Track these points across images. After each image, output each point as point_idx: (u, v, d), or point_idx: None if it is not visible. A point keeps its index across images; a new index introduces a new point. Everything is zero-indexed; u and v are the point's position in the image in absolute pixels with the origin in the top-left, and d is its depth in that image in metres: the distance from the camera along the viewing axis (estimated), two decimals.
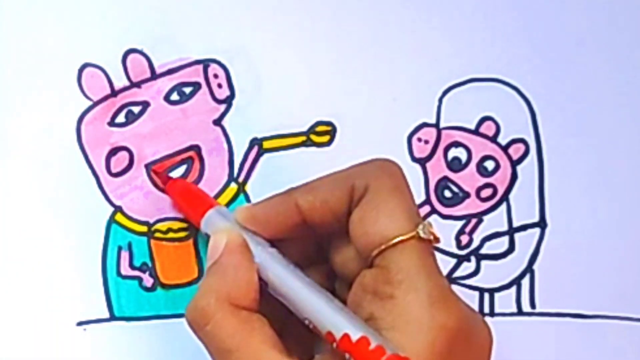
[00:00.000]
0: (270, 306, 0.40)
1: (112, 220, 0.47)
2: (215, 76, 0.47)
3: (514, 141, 0.48)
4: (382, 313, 0.38)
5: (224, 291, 0.39)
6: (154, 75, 0.47)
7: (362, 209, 0.39)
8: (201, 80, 0.48)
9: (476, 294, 0.47)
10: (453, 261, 0.47)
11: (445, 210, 0.47)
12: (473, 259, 0.48)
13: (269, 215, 0.41)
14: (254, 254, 0.41)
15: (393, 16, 0.48)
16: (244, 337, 0.38)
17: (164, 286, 0.47)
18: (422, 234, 0.38)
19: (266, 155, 0.48)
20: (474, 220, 0.48)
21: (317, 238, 0.42)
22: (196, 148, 0.47)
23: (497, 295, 0.47)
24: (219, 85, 0.47)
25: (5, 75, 0.47)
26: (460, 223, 0.48)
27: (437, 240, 0.39)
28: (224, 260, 0.41)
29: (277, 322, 0.40)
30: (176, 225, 0.47)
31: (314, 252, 0.43)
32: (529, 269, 0.47)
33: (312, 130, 0.48)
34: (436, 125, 0.48)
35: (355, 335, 0.37)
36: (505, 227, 0.48)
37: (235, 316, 0.39)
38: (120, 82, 0.47)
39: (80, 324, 0.46)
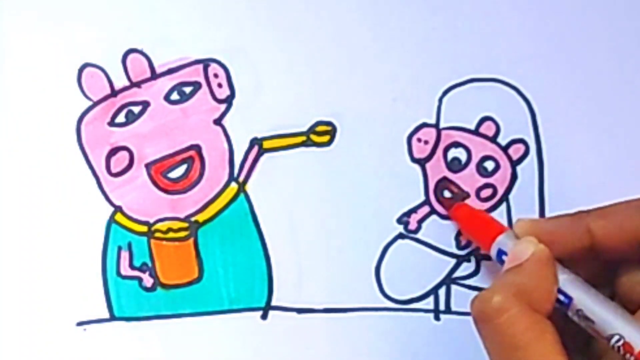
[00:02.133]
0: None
1: (112, 220, 0.47)
2: (216, 76, 0.47)
3: (513, 141, 0.48)
4: None
5: (525, 290, 0.39)
6: (154, 75, 0.47)
7: None
8: (201, 80, 0.48)
9: (476, 294, 0.47)
10: (453, 261, 0.47)
11: (444, 211, 0.47)
12: (473, 259, 0.48)
13: (557, 234, 0.42)
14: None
15: (393, 16, 0.48)
16: (536, 336, 0.38)
17: (164, 286, 0.47)
18: None
19: (266, 155, 0.48)
20: None
21: (600, 261, 0.42)
22: (196, 148, 0.47)
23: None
24: (219, 85, 0.48)
25: (5, 75, 0.47)
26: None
27: None
28: (529, 265, 0.40)
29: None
30: (176, 225, 0.47)
31: (592, 274, 0.43)
32: None
33: (312, 130, 0.48)
34: (436, 125, 0.48)
35: None
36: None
37: (530, 316, 0.38)
38: (120, 82, 0.47)
39: (80, 324, 0.46)
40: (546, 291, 0.40)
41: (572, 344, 0.40)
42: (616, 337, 0.39)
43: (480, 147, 0.48)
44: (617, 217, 0.41)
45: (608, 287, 0.43)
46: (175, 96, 0.47)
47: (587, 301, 0.40)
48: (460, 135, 0.48)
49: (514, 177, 0.48)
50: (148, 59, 0.47)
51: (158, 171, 0.47)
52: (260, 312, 0.47)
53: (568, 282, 0.41)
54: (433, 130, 0.48)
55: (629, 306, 0.42)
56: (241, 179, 0.47)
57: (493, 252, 0.44)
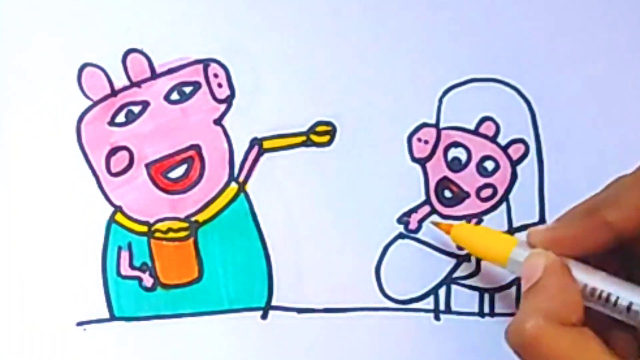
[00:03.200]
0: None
1: (112, 220, 0.47)
2: (216, 76, 0.47)
3: (513, 141, 0.48)
4: None
5: (552, 311, 0.39)
6: (154, 75, 0.47)
7: None
8: (201, 79, 0.48)
9: (476, 294, 0.47)
10: (453, 261, 0.47)
11: (445, 211, 0.47)
12: (473, 259, 0.48)
13: (577, 237, 0.41)
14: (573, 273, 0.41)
15: (393, 16, 0.48)
16: (583, 350, 0.38)
17: (164, 286, 0.47)
18: None
19: (266, 155, 0.48)
20: (473, 221, 0.48)
21: (622, 247, 0.41)
22: (196, 147, 0.47)
23: (497, 295, 0.47)
24: (219, 85, 0.47)
25: (5, 75, 0.47)
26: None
27: None
28: (546, 281, 0.40)
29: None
30: (176, 225, 0.47)
31: (618, 260, 0.42)
32: None
33: (312, 130, 0.48)
34: (436, 125, 0.48)
35: None
36: (505, 227, 0.48)
37: (568, 332, 0.38)
38: (120, 81, 0.47)
39: (80, 324, 0.46)
40: (571, 302, 0.40)
41: (623, 345, 0.40)
42: None
43: (480, 147, 0.48)
44: (627, 200, 0.40)
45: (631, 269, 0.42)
46: (175, 96, 0.47)
47: (622, 293, 0.40)
48: (460, 135, 0.48)
49: (514, 177, 0.48)
50: (148, 59, 0.47)
51: (158, 171, 0.47)
52: (260, 312, 0.47)
53: (600, 281, 0.41)
54: (433, 130, 0.48)
55: None
56: (241, 179, 0.47)
57: (510, 268, 0.43)
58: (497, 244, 0.44)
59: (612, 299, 0.40)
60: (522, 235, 0.43)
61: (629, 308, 0.40)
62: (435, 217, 0.47)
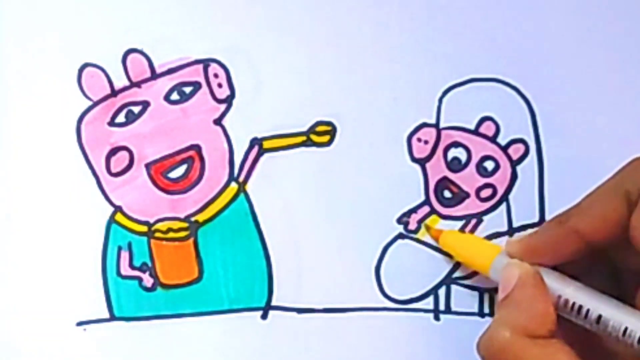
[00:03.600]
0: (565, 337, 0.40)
1: (112, 220, 0.47)
2: (216, 76, 0.47)
3: (513, 141, 0.48)
4: None
5: (520, 324, 0.39)
6: (154, 75, 0.47)
7: None
8: (201, 79, 0.48)
9: (476, 294, 0.47)
10: (453, 261, 0.47)
11: (445, 211, 0.47)
12: None
13: (547, 246, 0.42)
14: (548, 284, 0.41)
15: (393, 16, 0.48)
16: None
17: (164, 286, 0.47)
18: None
19: (266, 155, 0.48)
20: (473, 221, 0.48)
21: (594, 252, 0.42)
22: (196, 148, 0.47)
23: (497, 295, 0.47)
24: (219, 85, 0.48)
25: (5, 75, 0.47)
26: (460, 223, 0.48)
27: None
28: (516, 293, 0.41)
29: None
30: (176, 225, 0.47)
31: (590, 265, 0.43)
32: None
33: (312, 130, 0.48)
34: (436, 125, 0.48)
35: None
36: (505, 228, 0.48)
37: (535, 345, 0.39)
38: (120, 82, 0.47)
39: (80, 324, 0.46)
40: (542, 314, 0.40)
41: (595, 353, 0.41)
42: (629, 336, 0.39)
43: (480, 147, 0.48)
44: (596, 208, 0.41)
45: (605, 273, 0.43)
46: (175, 96, 0.47)
47: (593, 304, 0.40)
48: (460, 135, 0.48)
49: (513, 177, 0.48)
50: (148, 59, 0.47)
51: (158, 171, 0.47)
52: (260, 312, 0.47)
53: (572, 292, 0.41)
54: (433, 130, 0.48)
55: (631, 286, 0.42)
56: (241, 179, 0.47)
57: (492, 276, 0.44)
58: (481, 252, 0.45)
59: (583, 310, 0.41)
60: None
61: (598, 320, 0.40)
62: (434, 218, 0.47)
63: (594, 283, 0.42)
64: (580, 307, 0.41)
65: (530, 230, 0.44)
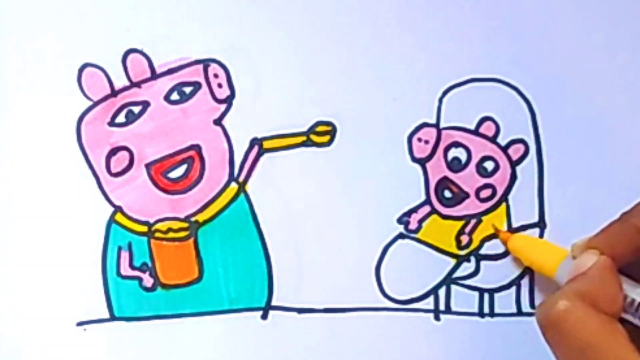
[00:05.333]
0: None
1: (112, 220, 0.47)
2: (216, 76, 0.47)
3: (513, 141, 0.48)
4: None
5: (590, 296, 0.39)
6: (154, 75, 0.47)
7: None
8: (201, 80, 0.48)
9: (476, 294, 0.47)
10: (453, 261, 0.47)
11: (445, 211, 0.48)
12: (473, 259, 0.48)
13: (611, 245, 0.42)
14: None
15: (393, 16, 0.48)
16: (607, 335, 0.38)
17: (164, 286, 0.47)
18: None
19: (266, 155, 0.48)
20: (473, 221, 0.48)
21: None
22: (196, 148, 0.47)
23: (497, 295, 0.47)
24: (219, 85, 0.47)
25: (5, 75, 0.47)
26: (460, 223, 0.48)
27: None
28: (593, 272, 0.41)
29: None
30: (176, 225, 0.47)
31: None
32: (529, 269, 0.47)
33: (312, 130, 0.48)
34: (436, 125, 0.48)
35: None
36: (504, 228, 0.48)
37: (599, 317, 0.38)
38: (120, 82, 0.47)
39: (80, 324, 0.46)
40: (611, 295, 0.40)
41: None
42: None
43: (480, 147, 0.48)
44: None
45: None
46: (175, 96, 0.47)
47: None
48: (460, 135, 0.48)
49: (513, 177, 0.48)
50: (148, 59, 0.47)
51: (158, 171, 0.47)
52: (260, 312, 0.47)
53: (634, 290, 0.41)
54: (433, 130, 0.48)
55: None
56: (241, 179, 0.47)
57: (559, 280, 0.44)
58: (548, 256, 0.45)
59: None
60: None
61: None
62: (435, 217, 0.47)
63: None
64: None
65: (592, 233, 0.44)
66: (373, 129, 0.48)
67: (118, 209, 0.47)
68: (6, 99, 0.47)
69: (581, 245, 0.43)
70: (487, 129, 0.48)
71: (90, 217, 0.47)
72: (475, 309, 0.47)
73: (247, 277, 0.47)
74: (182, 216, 0.47)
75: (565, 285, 0.41)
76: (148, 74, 0.47)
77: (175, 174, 0.47)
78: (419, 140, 0.48)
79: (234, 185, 0.47)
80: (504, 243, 0.47)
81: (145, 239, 0.47)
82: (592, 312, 0.38)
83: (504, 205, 0.48)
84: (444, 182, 0.48)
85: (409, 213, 0.47)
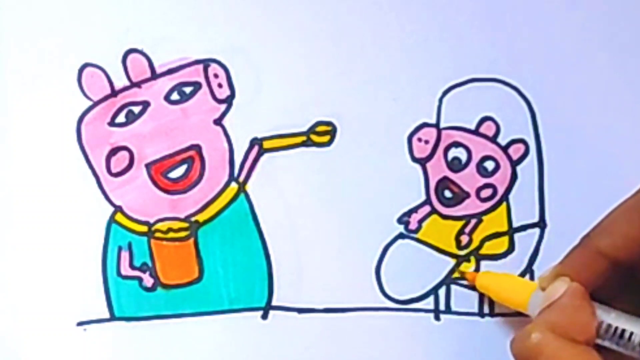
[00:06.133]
0: None
1: (112, 220, 0.47)
2: (216, 76, 0.47)
3: (513, 141, 0.48)
4: None
5: (562, 325, 0.39)
6: (154, 75, 0.47)
7: None
8: (201, 80, 0.48)
9: (476, 294, 0.47)
10: (453, 261, 0.47)
11: (445, 211, 0.48)
12: (473, 259, 0.48)
13: (575, 271, 0.41)
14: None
15: (393, 16, 0.48)
16: None
17: (164, 286, 0.47)
18: None
19: (266, 155, 0.48)
20: (473, 221, 0.48)
21: (621, 273, 0.41)
22: (196, 148, 0.47)
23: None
24: (219, 85, 0.48)
25: (5, 75, 0.47)
26: (460, 223, 0.48)
27: None
28: (564, 300, 0.40)
29: None
30: (176, 225, 0.47)
31: (620, 289, 0.42)
32: (529, 269, 0.47)
33: (312, 130, 0.48)
34: (436, 125, 0.48)
35: None
36: (505, 228, 0.48)
37: (573, 347, 0.38)
38: (120, 82, 0.47)
39: (80, 324, 0.46)
40: (584, 322, 0.40)
41: None
42: None
43: (480, 147, 0.48)
44: (617, 227, 0.41)
45: (633, 293, 0.42)
46: (175, 96, 0.47)
47: (636, 328, 0.40)
48: (460, 135, 0.48)
49: (514, 177, 0.48)
50: (148, 59, 0.47)
51: (158, 171, 0.47)
52: (260, 312, 0.47)
53: (615, 318, 0.41)
54: (433, 130, 0.48)
55: None
56: (241, 179, 0.47)
57: (531, 312, 0.43)
58: (517, 291, 0.44)
59: (626, 335, 0.40)
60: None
61: None
62: (435, 217, 0.47)
63: (625, 307, 0.41)
64: (623, 331, 0.40)
65: (555, 262, 0.43)
66: (373, 129, 0.48)
67: (118, 208, 0.47)
68: (6, 99, 0.47)
69: (547, 277, 0.42)
70: (487, 128, 0.48)
71: (90, 217, 0.47)
72: (475, 309, 0.47)
73: (247, 277, 0.47)
74: (182, 216, 0.47)
75: (537, 317, 0.40)
76: (148, 74, 0.47)
77: (176, 174, 0.47)
78: (419, 140, 0.48)
79: (234, 185, 0.47)
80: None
81: (145, 239, 0.47)
82: (566, 343, 0.38)
83: (504, 205, 0.48)
84: (444, 182, 0.48)
85: (409, 213, 0.47)
